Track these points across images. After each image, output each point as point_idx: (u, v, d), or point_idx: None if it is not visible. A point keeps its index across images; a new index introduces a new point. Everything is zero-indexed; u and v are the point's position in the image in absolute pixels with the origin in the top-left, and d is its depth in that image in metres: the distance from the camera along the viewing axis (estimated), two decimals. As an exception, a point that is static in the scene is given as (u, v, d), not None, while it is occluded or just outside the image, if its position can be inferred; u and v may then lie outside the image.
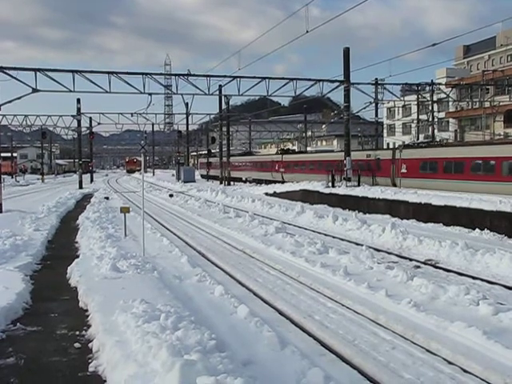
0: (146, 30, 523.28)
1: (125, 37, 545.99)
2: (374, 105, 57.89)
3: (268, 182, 52.74)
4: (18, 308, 9.99)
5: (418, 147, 36.19)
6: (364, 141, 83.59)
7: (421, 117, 63.41)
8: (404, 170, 33.35)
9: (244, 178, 64.21)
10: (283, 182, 49.53)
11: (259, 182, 57.55)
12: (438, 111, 67.41)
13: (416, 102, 61.26)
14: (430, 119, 57.81)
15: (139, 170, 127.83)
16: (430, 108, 57.40)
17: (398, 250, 17.08)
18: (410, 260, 15.50)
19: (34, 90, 32.67)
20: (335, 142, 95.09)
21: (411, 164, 33.16)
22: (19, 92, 32.95)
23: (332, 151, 60.57)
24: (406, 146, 38.54)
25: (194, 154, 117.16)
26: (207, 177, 74.61)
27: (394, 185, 33.89)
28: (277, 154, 60.95)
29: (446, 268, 14.16)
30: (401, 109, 75.54)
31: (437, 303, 10.52)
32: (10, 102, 32.15)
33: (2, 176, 32.60)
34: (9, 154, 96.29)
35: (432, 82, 52.85)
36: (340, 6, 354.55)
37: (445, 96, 55.89)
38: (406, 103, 63.52)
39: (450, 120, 75.19)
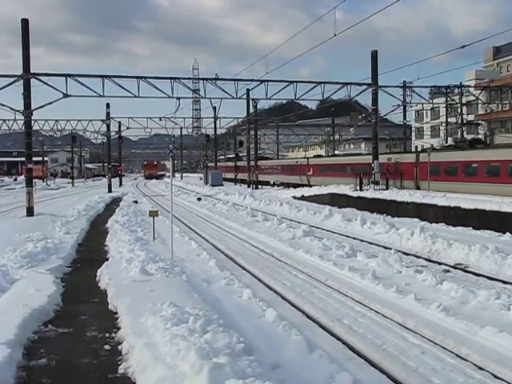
0: (170, 35, 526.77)
1: (150, 42, 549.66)
2: (402, 108, 57.38)
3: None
4: (50, 310, 10.14)
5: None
6: (392, 144, 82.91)
7: (449, 119, 62.69)
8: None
9: (272, 182, 64.50)
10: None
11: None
12: (467, 114, 66.51)
13: (445, 105, 60.59)
14: (459, 122, 57.09)
15: (161, 175, 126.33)
16: (459, 111, 56.66)
17: (427, 254, 16.91)
18: (439, 264, 15.31)
19: (65, 95, 33.10)
20: (363, 145, 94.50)
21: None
22: (50, 97, 33.43)
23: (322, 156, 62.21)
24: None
25: (222, 157, 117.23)
26: (234, 180, 74.84)
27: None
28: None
29: (476, 272, 13.96)
30: (429, 111, 74.73)
31: (467, 308, 10.39)
32: (42, 107, 32.75)
33: (34, 180, 33.14)
34: (40, 159, 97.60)
35: (461, 85, 52.19)
36: (362, 8, 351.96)
37: (474, 98, 55.19)
38: (435, 106, 62.80)
39: (480, 122, 74.16)
